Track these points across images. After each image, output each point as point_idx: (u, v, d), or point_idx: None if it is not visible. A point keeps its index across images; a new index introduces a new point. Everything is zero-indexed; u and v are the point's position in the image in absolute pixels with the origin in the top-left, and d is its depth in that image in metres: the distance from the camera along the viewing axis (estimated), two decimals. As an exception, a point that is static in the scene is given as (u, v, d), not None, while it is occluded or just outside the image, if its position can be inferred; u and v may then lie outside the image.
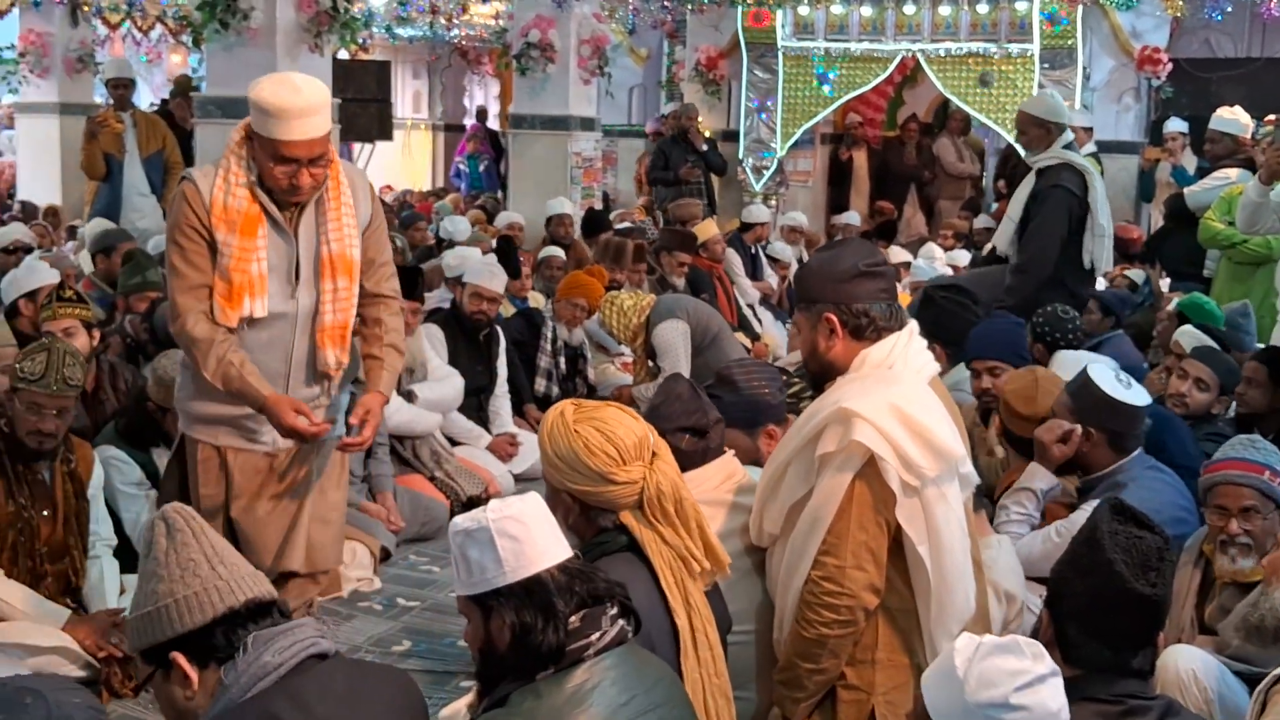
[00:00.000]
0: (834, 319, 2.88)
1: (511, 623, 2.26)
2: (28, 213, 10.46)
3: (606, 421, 2.67)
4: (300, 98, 3.29)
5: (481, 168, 16.21)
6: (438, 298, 7.26)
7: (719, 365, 5.10)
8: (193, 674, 2.09)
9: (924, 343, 2.99)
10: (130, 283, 6.08)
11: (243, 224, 3.37)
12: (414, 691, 2.31)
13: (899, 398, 2.75)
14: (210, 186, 3.37)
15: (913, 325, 2.97)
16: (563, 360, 6.86)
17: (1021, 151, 6.27)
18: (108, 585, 4.15)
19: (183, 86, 9.91)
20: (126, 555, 4.31)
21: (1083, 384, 3.91)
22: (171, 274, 3.45)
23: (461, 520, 2.32)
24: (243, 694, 2.05)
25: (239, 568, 2.16)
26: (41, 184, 11.61)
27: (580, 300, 6.72)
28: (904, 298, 7.52)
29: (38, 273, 5.53)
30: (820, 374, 2.98)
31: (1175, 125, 9.61)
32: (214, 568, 2.13)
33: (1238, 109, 7.64)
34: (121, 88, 9.38)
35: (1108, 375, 3.91)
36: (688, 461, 3.11)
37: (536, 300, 7.72)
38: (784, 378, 4.23)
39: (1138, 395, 3.88)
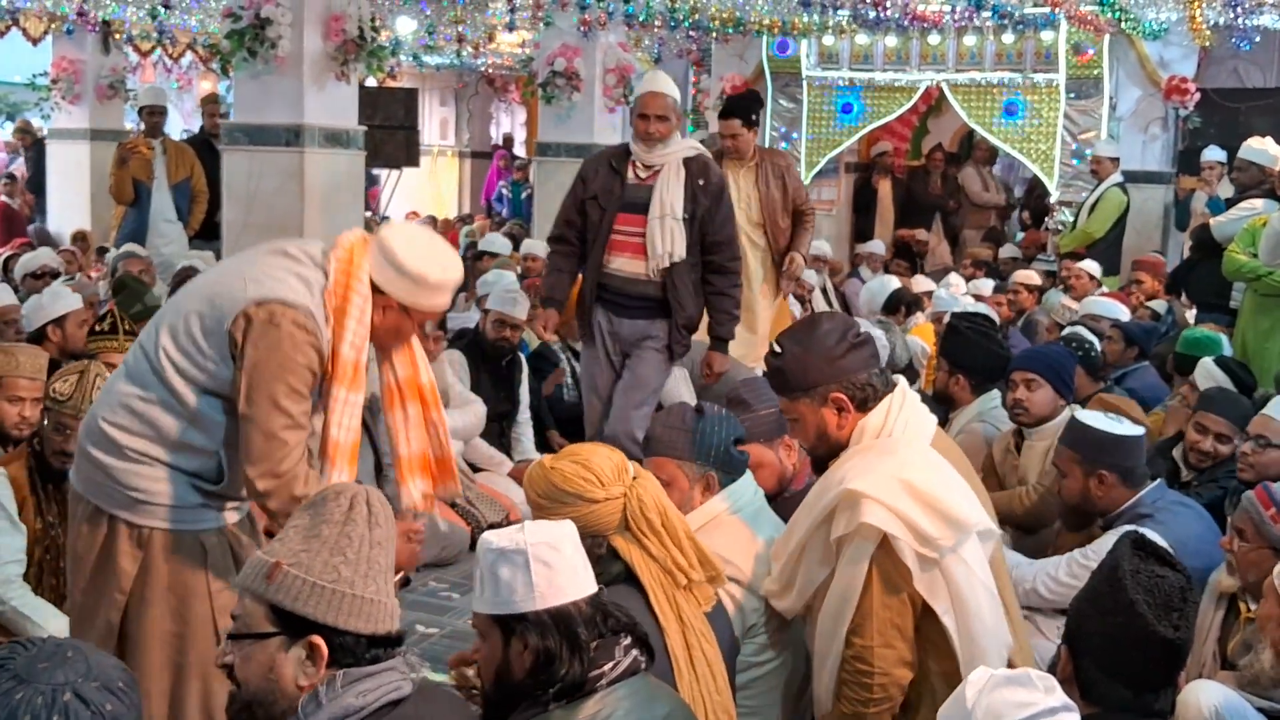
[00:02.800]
0: (842, 396, 2.89)
1: (535, 648, 2.24)
2: (43, 239, 10.55)
3: (580, 454, 2.71)
4: (459, 270, 3.10)
5: (525, 194, 16.27)
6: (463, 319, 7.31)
7: (729, 388, 5.12)
8: (323, 663, 2.05)
9: (917, 398, 2.99)
10: (132, 312, 6.02)
11: (354, 379, 3.00)
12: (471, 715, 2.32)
13: (904, 469, 2.75)
14: (328, 332, 2.96)
15: (903, 384, 2.98)
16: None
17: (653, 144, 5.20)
18: None
19: (212, 98, 10.14)
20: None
21: (1078, 431, 3.85)
22: (284, 425, 2.89)
23: (497, 538, 2.30)
24: None
25: (395, 594, 2.14)
26: (71, 209, 11.72)
27: None
28: (928, 327, 7.50)
29: (62, 299, 5.58)
30: (828, 455, 2.97)
31: (1212, 154, 9.55)
32: (387, 584, 2.10)
33: (1268, 140, 7.61)
34: (155, 115, 9.50)
35: (1097, 416, 3.88)
36: (737, 471, 3.20)
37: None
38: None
39: (1130, 428, 3.84)
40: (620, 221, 5.26)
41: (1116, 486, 3.79)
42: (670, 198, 5.18)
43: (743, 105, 6.46)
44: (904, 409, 2.90)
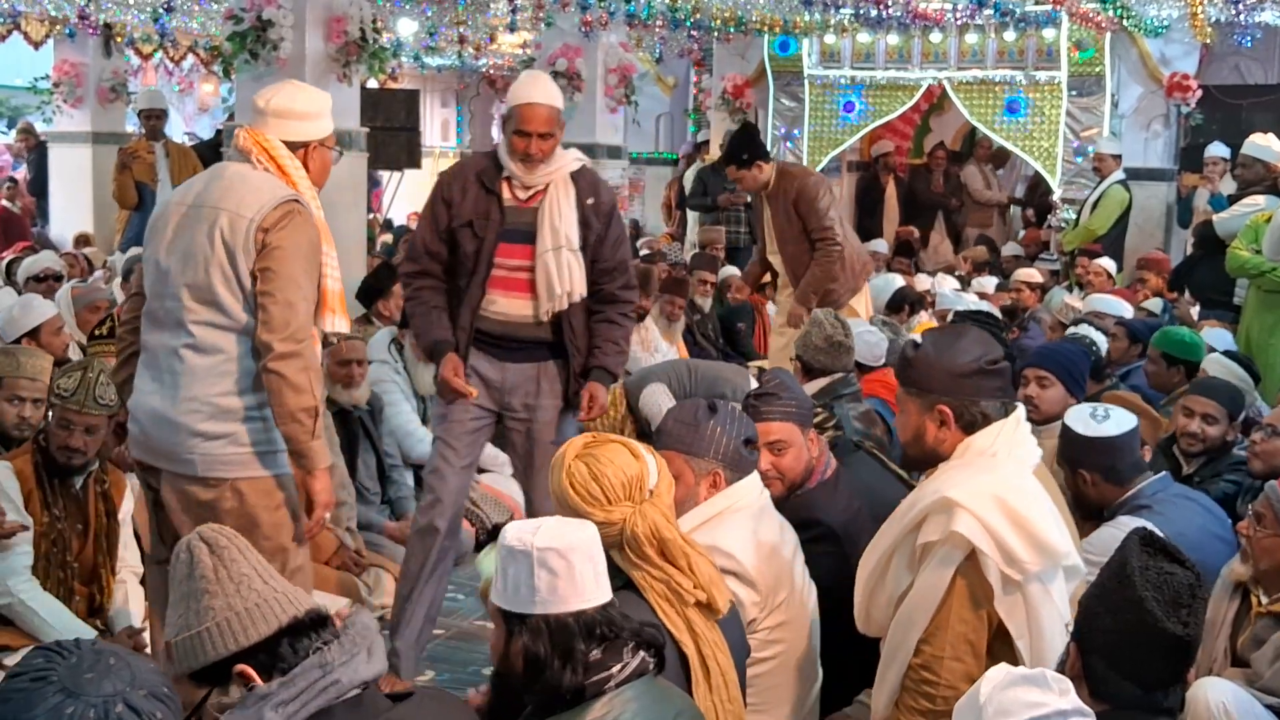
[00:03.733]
0: (948, 411, 2.86)
1: (527, 649, 2.25)
2: (44, 244, 10.52)
3: (599, 460, 2.67)
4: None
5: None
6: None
7: (718, 389, 5.05)
8: (261, 685, 2.04)
9: (1029, 428, 2.95)
10: None
11: (326, 232, 3.50)
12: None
13: (1002, 487, 2.72)
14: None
15: (1019, 412, 2.93)
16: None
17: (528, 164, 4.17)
18: (133, 609, 4.20)
19: None
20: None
21: (1062, 429, 3.87)
22: (301, 297, 3.32)
23: (512, 532, 2.30)
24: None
25: (285, 581, 2.15)
26: (74, 213, 11.73)
27: None
28: (929, 324, 7.49)
29: (34, 310, 5.57)
30: (920, 458, 2.97)
31: (1216, 151, 9.52)
32: (266, 582, 2.11)
33: (1271, 136, 7.60)
34: (154, 118, 9.51)
35: (1081, 414, 3.86)
36: (744, 470, 3.20)
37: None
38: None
39: (1114, 426, 3.78)
40: (501, 253, 4.22)
41: (1101, 484, 3.79)
42: (564, 226, 4.20)
43: (729, 151, 6.55)
44: (1014, 434, 2.87)
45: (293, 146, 3.46)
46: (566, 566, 2.25)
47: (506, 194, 4.21)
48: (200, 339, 3.31)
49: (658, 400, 5.58)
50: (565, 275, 4.18)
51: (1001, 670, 2.12)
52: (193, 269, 3.31)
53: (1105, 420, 3.79)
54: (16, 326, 5.47)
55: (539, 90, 4.18)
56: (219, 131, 10.05)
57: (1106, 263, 8.78)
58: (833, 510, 3.58)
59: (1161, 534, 2.55)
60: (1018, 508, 2.70)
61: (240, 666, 2.05)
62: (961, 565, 2.71)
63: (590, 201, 4.27)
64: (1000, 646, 2.75)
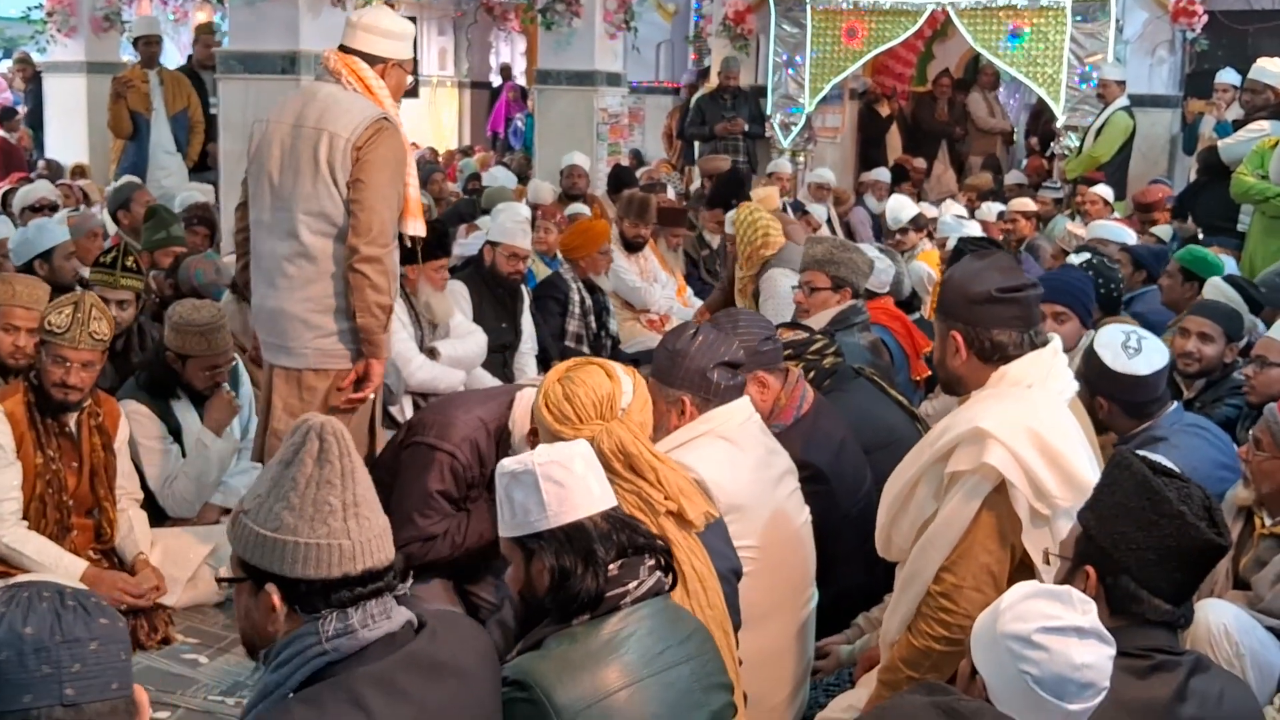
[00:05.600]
0: (959, 338, 2.85)
1: (551, 566, 2.28)
2: (54, 171, 10.47)
3: (574, 381, 2.75)
4: None
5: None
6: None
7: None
8: (280, 611, 1.98)
9: (1065, 360, 2.93)
10: (155, 238, 6.11)
11: (406, 141, 3.94)
12: (488, 641, 2.29)
13: (1036, 420, 2.71)
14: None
15: (1055, 344, 2.90)
16: (592, 320, 6.81)
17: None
18: (139, 536, 4.17)
19: (207, 27, 10.08)
20: (152, 509, 4.32)
21: (1088, 352, 3.81)
22: (386, 205, 3.77)
23: (509, 462, 2.34)
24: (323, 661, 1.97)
25: (371, 525, 2.01)
26: (68, 143, 11.62)
27: (605, 245, 6.69)
28: (932, 253, 7.45)
29: (48, 232, 5.53)
30: (947, 382, 2.97)
31: (1227, 77, 9.39)
32: (346, 522, 1.97)
33: (1279, 60, 7.51)
34: (151, 45, 9.40)
35: (1113, 343, 3.74)
36: (720, 396, 3.17)
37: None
38: (809, 334, 4.20)
39: (1144, 363, 3.69)
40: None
41: (1117, 414, 3.76)
42: None
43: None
44: (1050, 366, 2.84)
45: (372, 61, 3.87)
46: (569, 475, 2.30)
47: None
48: (311, 246, 3.78)
49: (785, 291, 5.61)
50: None
51: (1029, 584, 2.14)
52: (303, 184, 3.76)
53: (1136, 356, 3.70)
54: (30, 248, 5.44)
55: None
56: (190, 57, 9.98)
57: (1104, 190, 8.70)
58: (816, 450, 3.55)
59: (1170, 464, 2.53)
60: (1051, 441, 2.68)
61: (269, 587, 1.98)
62: (990, 497, 2.71)
63: None
64: (1021, 579, 2.73)
